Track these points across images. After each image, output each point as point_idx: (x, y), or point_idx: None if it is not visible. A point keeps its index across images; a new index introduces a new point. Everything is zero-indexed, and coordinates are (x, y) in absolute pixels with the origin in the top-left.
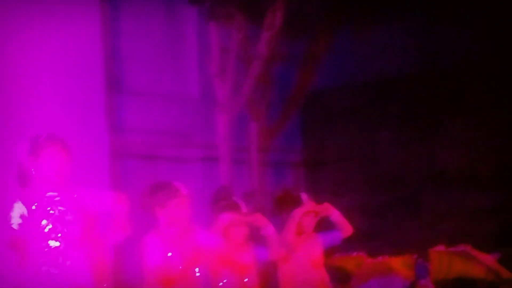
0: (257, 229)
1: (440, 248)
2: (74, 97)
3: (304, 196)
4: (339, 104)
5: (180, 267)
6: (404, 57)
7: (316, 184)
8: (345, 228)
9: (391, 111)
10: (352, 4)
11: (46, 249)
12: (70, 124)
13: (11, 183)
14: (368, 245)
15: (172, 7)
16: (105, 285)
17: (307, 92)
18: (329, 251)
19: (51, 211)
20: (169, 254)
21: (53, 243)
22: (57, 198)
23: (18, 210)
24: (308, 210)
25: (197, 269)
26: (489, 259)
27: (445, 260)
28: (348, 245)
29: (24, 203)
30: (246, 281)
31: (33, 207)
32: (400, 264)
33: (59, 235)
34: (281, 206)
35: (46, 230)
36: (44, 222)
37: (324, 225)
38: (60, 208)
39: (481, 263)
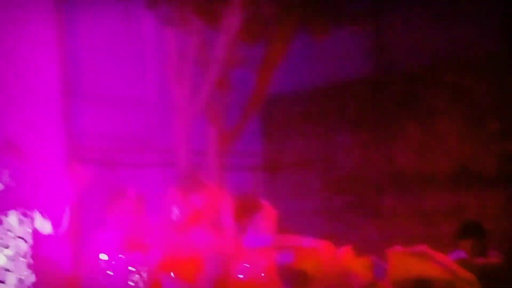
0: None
1: (398, 249)
2: (30, 102)
3: (263, 201)
4: (298, 108)
5: None
6: (360, 61)
7: (275, 187)
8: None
9: (348, 114)
10: (308, 8)
11: None
12: (26, 130)
13: None
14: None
15: (129, 11)
16: None
17: (266, 96)
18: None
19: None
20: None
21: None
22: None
23: None
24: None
25: None
26: (446, 259)
27: (402, 261)
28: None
29: None
30: None
31: None
32: (358, 265)
33: (4, 248)
34: (240, 212)
35: None
36: None
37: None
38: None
39: (439, 263)
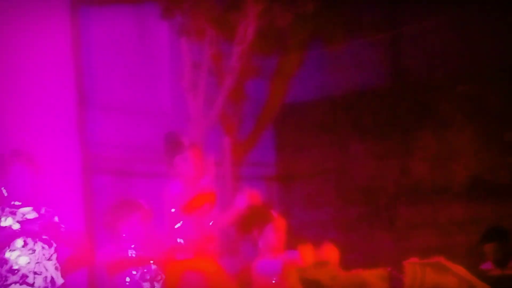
0: None
1: (414, 260)
2: (46, 112)
3: (274, 212)
4: (312, 118)
5: None
6: (375, 71)
7: (289, 198)
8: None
9: (363, 124)
10: (322, 18)
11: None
12: (42, 140)
13: None
14: (342, 258)
15: (144, 21)
16: None
17: (280, 106)
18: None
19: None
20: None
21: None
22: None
23: None
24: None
25: None
26: (463, 271)
27: (418, 272)
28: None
29: None
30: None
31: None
32: (374, 277)
33: (30, 251)
34: (250, 223)
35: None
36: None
37: None
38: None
39: (455, 274)
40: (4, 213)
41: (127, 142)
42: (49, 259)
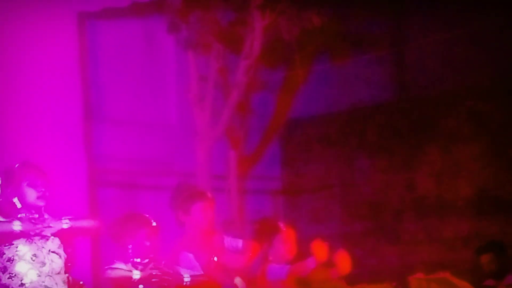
0: None
1: (419, 275)
2: (51, 125)
3: (281, 224)
4: (318, 132)
5: None
6: (381, 86)
7: (295, 212)
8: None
9: (368, 138)
10: (328, 33)
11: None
12: (48, 153)
13: None
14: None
15: (150, 34)
16: None
17: (286, 120)
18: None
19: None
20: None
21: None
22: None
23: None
24: (286, 239)
25: None
26: (468, 286)
27: (424, 287)
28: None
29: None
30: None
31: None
32: None
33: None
34: (260, 235)
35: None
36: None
37: None
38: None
39: None
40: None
41: (134, 155)
42: (58, 273)
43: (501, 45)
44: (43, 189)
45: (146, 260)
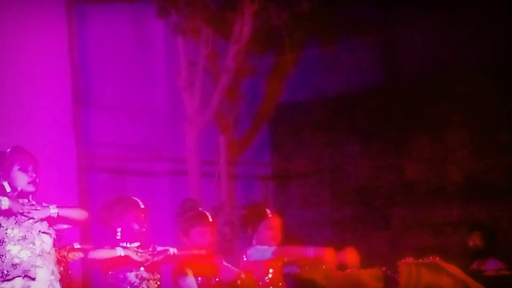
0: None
1: (409, 260)
2: (41, 111)
3: (268, 210)
4: (308, 118)
5: None
6: (371, 71)
7: (285, 197)
8: None
9: (358, 124)
10: (318, 18)
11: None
12: (38, 138)
13: None
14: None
15: (139, 20)
16: None
17: (276, 105)
18: (299, 264)
19: (24, 223)
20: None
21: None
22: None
23: None
24: (271, 225)
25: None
26: (457, 271)
27: (413, 272)
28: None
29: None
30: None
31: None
32: (369, 277)
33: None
34: (246, 221)
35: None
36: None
37: None
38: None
39: (450, 274)
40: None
41: (123, 140)
42: (49, 253)
43: (490, 30)
44: (33, 175)
45: (136, 244)
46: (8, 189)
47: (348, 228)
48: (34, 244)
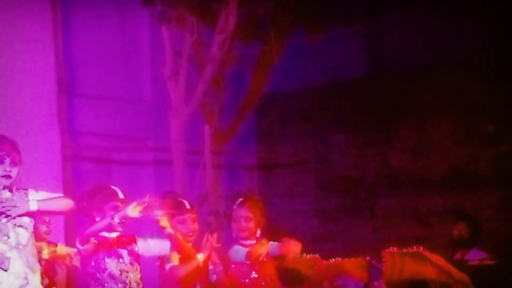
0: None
1: (393, 249)
2: (26, 100)
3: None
4: (293, 107)
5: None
6: (356, 61)
7: (270, 187)
8: None
9: (343, 114)
10: (303, 8)
11: None
12: (22, 128)
13: None
14: (321, 247)
15: (124, 10)
16: None
17: (261, 95)
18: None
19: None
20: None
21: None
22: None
23: None
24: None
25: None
26: (441, 260)
27: (397, 261)
28: (302, 247)
29: None
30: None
31: None
32: (353, 266)
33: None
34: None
35: None
36: None
37: None
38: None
39: (434, 264)
40: None
41: (108, 130)
42: (25, 245)
43: (476, 20)
44: (9, 168)
45: (115, 234)
46: None
47: (332, 218)
48: (8, 236)
